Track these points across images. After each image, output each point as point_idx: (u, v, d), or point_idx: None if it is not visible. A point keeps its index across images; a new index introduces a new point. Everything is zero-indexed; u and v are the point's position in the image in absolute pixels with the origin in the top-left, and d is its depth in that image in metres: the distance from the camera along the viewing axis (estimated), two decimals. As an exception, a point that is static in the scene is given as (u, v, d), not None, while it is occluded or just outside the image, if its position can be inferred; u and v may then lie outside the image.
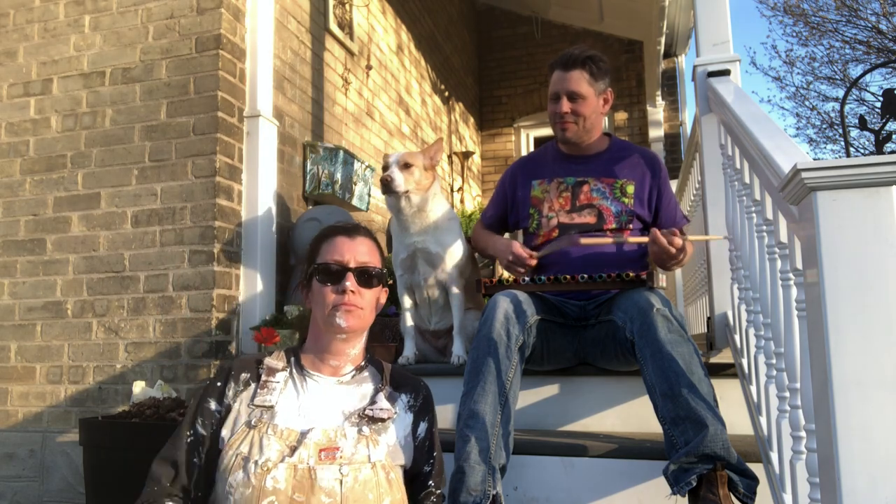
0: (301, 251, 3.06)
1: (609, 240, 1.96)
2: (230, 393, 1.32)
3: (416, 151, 2.53)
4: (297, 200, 3.33)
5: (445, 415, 2.21)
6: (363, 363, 1.41)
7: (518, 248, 2.06)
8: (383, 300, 1.45)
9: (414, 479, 1.38)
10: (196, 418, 1.31)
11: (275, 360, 1.37)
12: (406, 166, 2.33)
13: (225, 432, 1.28)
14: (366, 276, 1.36)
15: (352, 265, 1.35)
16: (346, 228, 1.42)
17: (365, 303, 1.36)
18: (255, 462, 1.21)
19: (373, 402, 1.34)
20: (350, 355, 1.38)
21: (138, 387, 2.32)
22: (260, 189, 2.86)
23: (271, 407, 1.29)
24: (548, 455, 1.82)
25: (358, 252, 1.37)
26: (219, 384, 1.33)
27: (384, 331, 2.71)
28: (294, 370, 1.36)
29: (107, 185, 2.83)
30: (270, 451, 1.22)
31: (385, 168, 2.35)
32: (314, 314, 1.38)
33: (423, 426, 1.41)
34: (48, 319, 2.83)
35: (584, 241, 1.90)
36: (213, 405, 1.31)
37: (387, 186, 2.31)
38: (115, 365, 2.72)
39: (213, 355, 2.61)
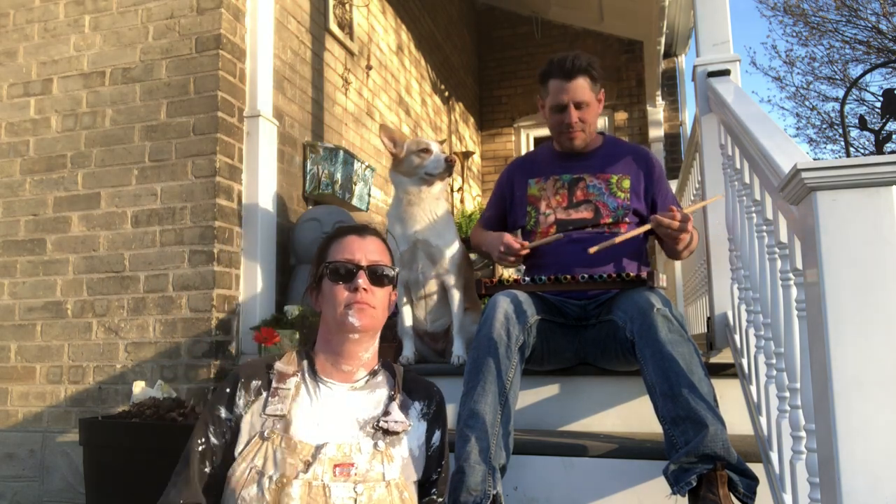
0: (301, 251, 3.06)
1: (615, 240, 1.96)
2: (241, 402, 1.28)
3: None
4: (297, 200, 3.33)
5: (445, 415, 2.21)
6: (376, 367, 1.38)
7: (509, 238, 2.08)
8: (394, 300, 1.44)
9: (420, 486, 1.36)
10: (207, 427, 1.26)
11: (285, 364, 1.33)
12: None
13: (239, 444, 1.25)
14: (378, 275, 1.34)
15: (363, 263, 1.33)
16: (357, 228, 1.41)
17: (377, 302, 1.34)
18: (270, 477, 1.18)
19: (386, 412, 1.31)
20: (363, 359, 1.35)
21: (138, 387, 2.32)
22: (260, 189, 2.86)
23: (284, 416, 1.25)
24: (548, 455, 1.82)
25: (369, 251, 1.36)
26: (227, 391, 1.29)
27: (384, 331, 2.70)
28: (307, 374, 1.32)
29: (107, 185, 2.83)
30: (284, 467, 1.19)
31: (426, 151, 2.40)
32: (325, 316, 1.35)
33: (436, 435, 1.38)
34: (48, 319, 2.83)
35: (593, 250, 1.90)
36: (223, 413, 1.27)
37: (451, 166, 2.38)
38: (115, 365, 2.72)
39: (213, 355, 2.61)
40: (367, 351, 1.36)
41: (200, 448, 1.25)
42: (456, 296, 2.43)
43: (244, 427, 1.26)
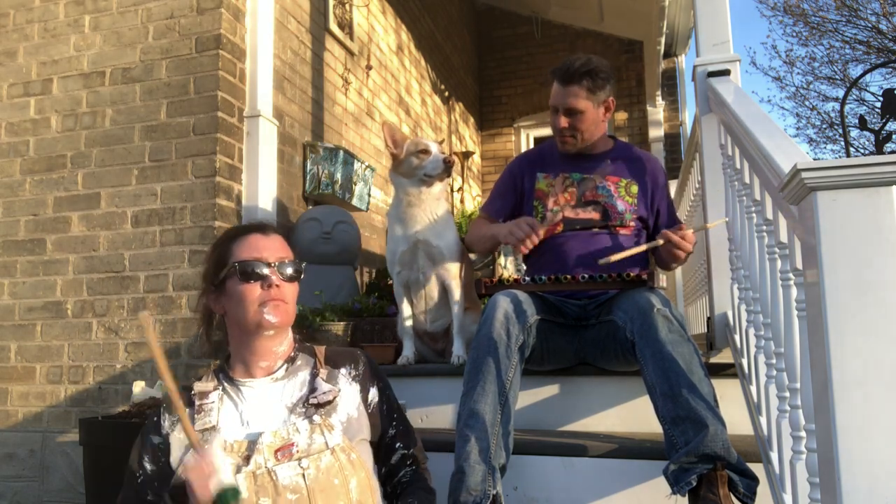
0: (301, 251, 3.06)
1: (633, 251, 1.95)
2: (166, 424, 1.30)
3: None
4: (297, 200, 3.33)
5: (445, 415, 2.21)
6: (293, 354, 1.37)
7: (532, 220, 2.02)
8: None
9: (382, 446, 1.37)
10: (142, 457, 1.29)
11: (204, 383, 1.33)
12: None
13: (173, 460, 1.27)
14: (288, 271, 1.33)
15: (272, 260, 1.32)
16: (257, 226, 1.39)
17: (290, 297, 1.33)
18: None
19: (313, 388, 1.31)
20: (278, 353, 1.35)
21: (138, 387, 2.32)
22: (260, 189, 2.86)
23: (213, 426, 1.26)
24: (548, 455, 1.82)
25: (274, 248, 1.34)
26: (155, 419, 1.32)
27: (384, 331, 2.71)
28: (225, 385, 1.33)
29: (107, 185, 2.83)
30: (224, 468, 1.19)
31: (425, 152, 2.39)
32: (234, 318, 1.32)
33: (373, 392, 1.38)
34: (48, 319, 2.83)
35: (602, 261, 1.90)
36: (154, 439, 1.30)
37: (449, 167, 2.38)
38: (115, 365, 2.72)
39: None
40: (282, 344, 1.35)
41: (140, 479, 1.28)
42: (456, 296, 2.43)
43: (174, 443, 1.28)
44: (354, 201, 3.61)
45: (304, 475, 1.20)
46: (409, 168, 2.41)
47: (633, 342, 1.73)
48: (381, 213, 4.22)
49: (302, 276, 1.39)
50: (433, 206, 2.42)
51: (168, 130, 2.79)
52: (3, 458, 2.80)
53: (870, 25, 11.31)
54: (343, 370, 1.37)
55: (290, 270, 1.33)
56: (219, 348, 1.41)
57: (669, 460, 1.53)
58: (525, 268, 2.30)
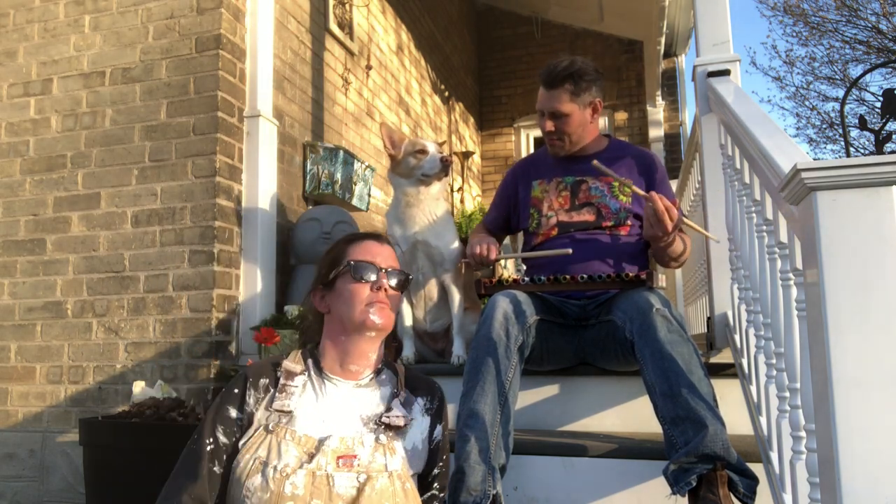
0: (301, 251, 3.06)
1: (620, 179, 1.94)
2: (251, 400, 1.30)
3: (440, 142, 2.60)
4: (297, 200, 3.33)
5: (445, 415, 2.21)
6: (380, 367, 1.41)
7: (476, 248, 2.11)
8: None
9: (421, 480, 1.39)
10: (216, 426, 1.28)
11: (292, 363, 1.35)
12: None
13: (243, 441, 1.27)
14: (397, 278, 1.40)
15: (384, 266, 1.38)
16: (375, 235, 1.46)
17: (393, 304, 1.39)
18: (274, 467, 1.20)
19: (389, 408, 1.34)
20: (370, 359, 1.38)
21: (138, 387, 2.32)
22: (260, 189, 2.86)
23: (290, 412, 1.28)
24: (548, 455, 1.82)
25: (387, 256, 1.41)
26: (237, 391, 1.31)
27: (384, 331, 2.71)
28: (313, 373, 1.35)
29: (107, 185, 2.83)
30: (289, 457, 1.22)
31: (423, 152, 2.39)
32: (338, 315, 1.36)
33: (438, 429, 1.41)
34: (48, 319, 2.83)
35: (596, 163, 1.89)
36: (233, 413, 1.29)
37: (446, 166, 2.38)
38: (115, 365, 2.72)
39: (213, 355, 2.61)
40: (375, 351, 1.39)
41: (209, 448, 1.26)
42: (456, 296, 2.43)
43: (254, 423, 1.29)
44: (354, 201, 3.61)
45: (358, 489, 1.22)
46: (407, 168, 2.41)
47: (633, 342, 1.73)
48: (381, 213, 4.22)
49: (407, 288, 1.46)
50: (432, 206, 2.42)
51: (168, 130, 2.79)
52: (3, 458, 2.80)
53: (870, 25, 11.31)
54: (420, 399, 1.40)
55: (398, 279, 1.40)
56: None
57: (669, 460, 1.53)
58: (525, 268, 2.30)
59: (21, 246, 2.92)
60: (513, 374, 1.75)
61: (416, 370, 1.50)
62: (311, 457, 1.23)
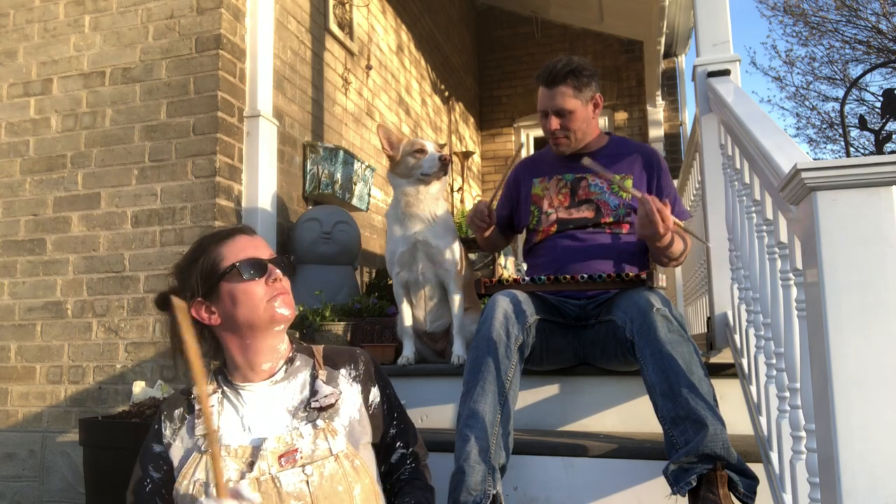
0: (301, 251, 3.06)
1: (610, 175, 1.97)
2: (167, 432, 1.29)
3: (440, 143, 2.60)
4: (297, 200, 3.33)
5: (445, 414, 2.21)
6: (291, 354, 1.36)
7: (472, 213, 2.17)
8: None
9: (383, 446, 1.36)
10: (147, 465, 1.28)
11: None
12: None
13: (176, 467, 1.26)
14: (283, 266, 1.33)
15: (265, 257, 1.31)
16: (240, 229, 1.38)
17: (290, 291, 1.34)
18: (216, 485, 1.18)
19: (314, 391, 1.30)
20: (281, 350, 1.33)
21: (138, 387, 2.32)
22: (260, 189, 2.85)
23: (214, 431, 1.25)
24: (548, 455, 1.82)
25: (263, 246, 1.34)
26: (155, 427, 1.31)
27: (384, 331, 2.71)
28: (224, 388, 1.32)
29: (107, 185, 2.83)
30: (228, 472, 1.20)
31: (421, 151, 2.39)
32: (237, 320, 1.28)
33: (374, 392, 1.37)
34: (48, 319, 2.83)
35: (586, 161, 1.92)
36: (157, 448, 1.29)
37: (445, 165, 2.38)
38: (115, 365, 2.72)
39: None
40: (283, 342, 1.35)
41: (148, 487, 1.27)
42: (456, 296, 2.43)
43: (174, 453, 1.28)
44: (354, 201, 3.61)
45: (307, 482, 1.19)
46: (407, 168, 2.41)
47: (633, 342, 1.73)
48: (381, 213, 4.22)
49: (293, 273, 1.38)
50: (432, 205, 2.42)
51: (168, 130, 2.79)
52: (3, 458, 2.80)
53: (870, 25, 11.31)
54: (343, 371, 1.36)
55: (284, 265, 1.34)
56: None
57: (669, 460, 1.53)
58: (525, 268, 2.30)
59: (21, 246, 2.92)
60: (513, 374, 1.74)
61: (334, 346, 1.45)
62: (252, 464, 1.20)
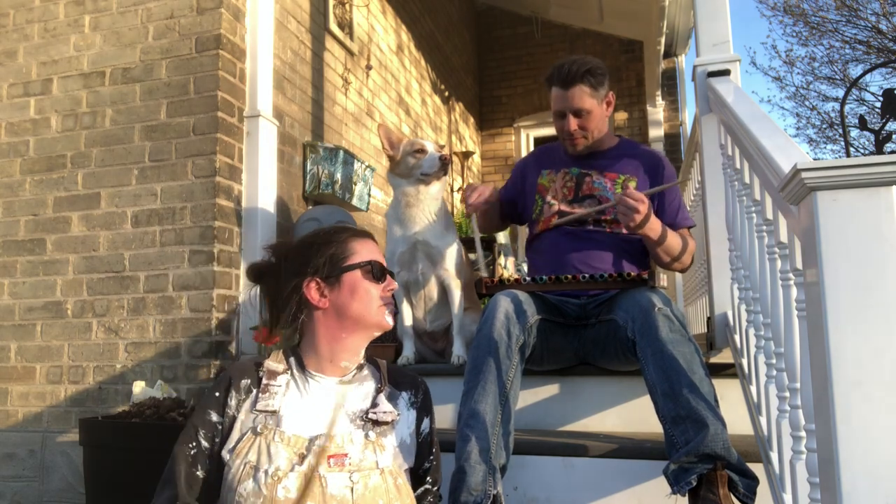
0: (301, 251, 3.06)
1: (581, 211, 2.02)
2: (233, 402, 1.28)
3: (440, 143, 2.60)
4: (297, 200, 3.33)
5: (445, 414, 2.21)
6: (362, 362, 1.40)
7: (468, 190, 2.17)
8: None
9: (413, 475, 1.38)
10: (198, 431, 1.26)
11: (274, 363, 1.34)
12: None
13: (230, 443, 1.25)
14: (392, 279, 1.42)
15: (385, 265, 1.39)
16: (369, 233, 1.44)
17: None
18: (265, 471, 1.19)
19: (374, 403, 1.33)
20: (361, 355, 1.38)
21: (138, 387, 2.32)
22: (260, 189, 2.85)
23: (275, 412, 1.26)
24: (548, 455, 1.82)
25: (382, 256, 1.41)
26: (218, 394, 1.29)
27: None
28: (295, 371, 1.33)
29: (107, 185, 2.83)
30: (280, 460, 1.20)
31: (421, 151, 2.39)
32: (344, 312, 1.31)
33: (426, 422, 1.40)
34: (48, 319, 2.83)
35: (562, 207, 1.94)
36: (214, 416, 1.27)
37: (445, 165, 2.38)
38: (115, 365, 2.72)
39: (213, 355, 2.61)
40: (366, 347, 1.39)
41: (192, 452, 1.25)
42: (456, 296, 2.43)
43: (236, 426, 1.27)
44: (354, 201, 3.61)
45: (352, 489, 1.20)
46: (406, 168, 2.41)
47: (634, 341, 1.73)
48: (381, 213, 4.22)
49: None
50: (432, 206, 2.42)
51: (168, 130, 2.79)
52: (3, 458, 2.80)
53: (870, 25, 11.31)
54: (405, 394, 1.39)
55: (391, 278, 1.41)
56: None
57: (669, 460, 1.53)
58: (526, 267, 2.30)
59: (21, 246, 2.92)
60: (514, 374, 1.75)
61: (398, 366, 1.52)
62: (302, 458, 1.21)
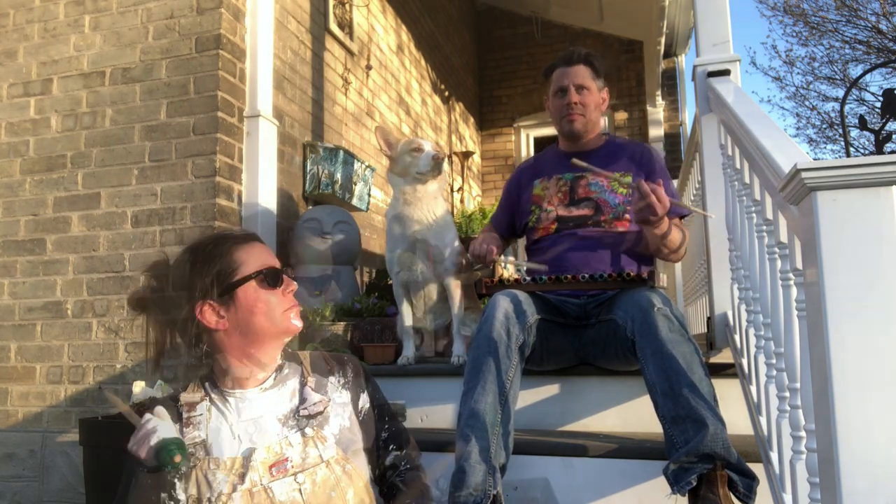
0: (301, 251, 3.06)
1: (604, 173, 1.96)
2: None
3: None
4: (297, 200, 3.33)
5: (445, 414, 2.21)
6: (280, 361, 1.34)
7: (476, 247, 2.12)
8: None
9: (375, 449, 1.35)
10: (135, 473, 1.23)
11: (190, 394, 1.29)
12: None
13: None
14: (292, 277, 1.34)
15: (279, 266, 1.31)
16: (254, 236, 1.35)
17: None
18: (209, 500, 1.17)
19: (303, 398, 1.29)
20: (277, 358, 1.32)
21: (138, 387, 2.31)
22: (260, 189, 2.85)
23: (203, 441, 1.23)
24: (548, 455, 1.82)
25: (273, 256, 1.33)
26: None
27: (384, 331, 2.71)
28: (213, 395, 1.28)
29: (107, 185, 2.83)
30: (220, 485, 1.18)
31: (418, 150, 2.40)
32: (247, 327, 1.25)
33: (363, 398, 1.36)
34: (48, 319, 2.83)
35: (575, 161, 1.91)
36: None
37: (439, 163, 2.39)
38: (115, 365, 2.72)
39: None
40: (281, 350, 1.34)
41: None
42: (456, 296, 2.43)
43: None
44: (354, 201, 3.61)
45: (300, 490, 1.19)
46: (403, 167, 2.41)
47: (634, 341, 1.73)
48: (381, 213, 4.22)
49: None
50: (431, 205, 2.42)
51: (168, 130, 2.79)
52: (3, 458, 2.80)
53: (870, 25, 11.31)
54: (332, 378, 1.34)
55: (291, 276, 1.34)
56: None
57: (669, 460, 1.53)
58: (526, 268, 2.30)
59: (21, 246, 2.92)
60: (513, 374, 1.75)
61: (322, 351, 1.43)
62: (243, 476, 1.18)
